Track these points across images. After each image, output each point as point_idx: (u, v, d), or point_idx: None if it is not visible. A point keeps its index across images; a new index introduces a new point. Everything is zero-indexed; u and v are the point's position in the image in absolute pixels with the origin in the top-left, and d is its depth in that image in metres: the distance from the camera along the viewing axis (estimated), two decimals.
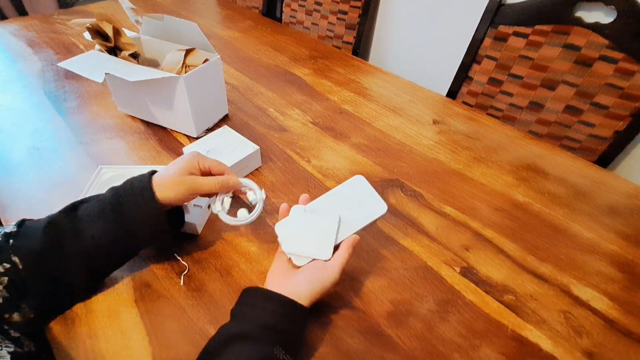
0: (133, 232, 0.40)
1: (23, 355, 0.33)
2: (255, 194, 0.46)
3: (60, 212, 0.40)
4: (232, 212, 0.46)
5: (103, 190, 0.52)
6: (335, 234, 0.41)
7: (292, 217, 0.43)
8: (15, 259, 0.36)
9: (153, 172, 0.43)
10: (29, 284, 0.36)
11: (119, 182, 0.54)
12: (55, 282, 0.38)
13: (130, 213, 0.39)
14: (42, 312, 0.39)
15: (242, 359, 0.32)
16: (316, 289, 0.38)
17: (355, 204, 0.43)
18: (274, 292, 0.37)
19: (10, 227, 0.38)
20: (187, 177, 0.41)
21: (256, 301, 0.37)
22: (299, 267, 0.41)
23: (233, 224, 0.46)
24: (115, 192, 0.41)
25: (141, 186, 0.40)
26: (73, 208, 0.40)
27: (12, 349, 0.32)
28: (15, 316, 0.36)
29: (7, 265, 0.36)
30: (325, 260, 0.40)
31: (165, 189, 0.40)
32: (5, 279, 0.35)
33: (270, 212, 0.55)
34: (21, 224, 0.39)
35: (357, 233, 0.42)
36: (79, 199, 0.47)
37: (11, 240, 0.37)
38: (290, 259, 0.41)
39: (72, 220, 0.39)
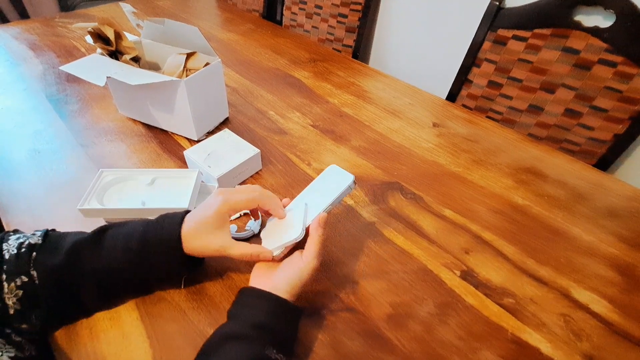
0: (152, 275, 0.41)
1: (24, 359, 0.33)
2: (253, 221, 0.52)
3: (89, 235, 0.39)
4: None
5: (103, 193, 0.53)
6: (304, 215, 0.42)
7: (272, 221, 0.45)
8: (34, 273, 0.36)
9: (187, 212, 0.41)
10: (41, 297, 0.36)
11: (119, 185, 0.54)
12: (69, 300, 0.38)
13: (153, 259, 0.39)
14: (49, 324, 0.39)
15: (233, 359, 0.32)
16: (295, 281, 0.38)
17: (325, 188, 0.44)
18: (262, 290, 0.37)
19: (35, 238, 0.38)
20: (217, 242, 0.40)
21: (247, 300, 0.38)
22: (279, 262, 0.41)
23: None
24: (144, 232, 0.39)
25: (170, 235, 0.39)
26: (101, 232, 0.40)
27: (12, 354, 0.32)
28: (24, 326, 0.36)
29: (25, 279, 0.35)
30: (298, 242, 0.41)
31: (193, 243, 0.39)
32: (21, 292, 0.35)
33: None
34: (46, 234, 0.39)
35: (329, 209, 0.42)
36: (85, 205, 0.47)
37: (34, 253, 0.36)
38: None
39: (97, 246, 0.38)
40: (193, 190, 0.51)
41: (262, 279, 0.40)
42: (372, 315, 0.43)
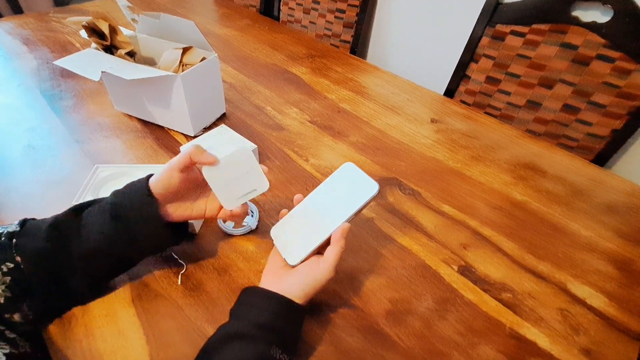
0: (132, 232, 0.39)
1: (18, 356, 0.32)
2: (251, 217, 0.51)
3: (64, 213, 0.39)
4: None
5: (99, 189, 0.52)
6: (325, 223, 0.40)
7: (284, 220, 0.43)
8: (18, 258, 0.36)
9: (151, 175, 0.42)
10: (32, 284, 0.36)
11: (114, 182, 0.54)
12: (57, 283, 0.38)
13: (128, 212, 0.39)
14: (41, 314, 0.38)
15: (238, 358, 0.32)
16: (309, 288, 0.38)
17: (345, 191, 0.42)
18: (271, 291, 0.37)
19: (13, 227, 0.38)
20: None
21: (254, 300, 0.37)
22: (292, 266, 0.40)
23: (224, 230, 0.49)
24: (115, 194, 0.41)
25: (138, 184, 0.40)
26: (77, 210, 0.40)
27: (7, 351, 0.31)
28: (16, 316, 0.36)
29: (11, 265, 0.35)
30: (317, 254, 0.40)
31: (155, 179, 0.40)
32: (8, 278, 0.35)
33: (269, 212, 0.54)
34: (23, 223, 0.39)
35: (351, 218, 0.40)
36: (81, 201, 0.47)
37: (14, 240, 0.37)
38: (284, 258, 0.41)
39: (76, 222, 0.39)
40: None
41: (274, 280, 0.39)
42: (371, 311, 0.43)
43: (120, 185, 0.53)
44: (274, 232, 0.43)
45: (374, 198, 0.40)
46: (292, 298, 0.36)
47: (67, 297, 0.40)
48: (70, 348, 0.38)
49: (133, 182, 0.41)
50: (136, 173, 0.54)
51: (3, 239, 0.36)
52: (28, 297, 0.36)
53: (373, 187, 0.40)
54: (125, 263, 0.43)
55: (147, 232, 0.40)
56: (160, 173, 0.40)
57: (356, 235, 0.52)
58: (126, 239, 0.39)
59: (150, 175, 0.41)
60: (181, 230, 0.44)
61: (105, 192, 0.52)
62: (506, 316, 0.43)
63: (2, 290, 0.35)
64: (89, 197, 0.50)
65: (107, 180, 0.53)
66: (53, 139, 0.67)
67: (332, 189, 0.43)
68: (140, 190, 0.39)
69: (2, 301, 0.35)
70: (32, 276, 0.36)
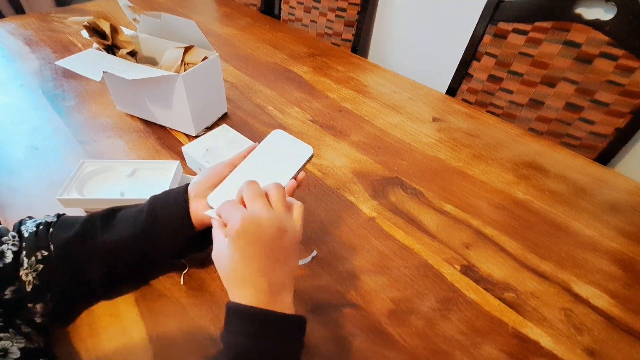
0: (158, 233, 0.39)
1: (33, 350, 0.32)
2: None
3: (102, 210, 0.41)
4: None
5: (84, 183, 0.52)
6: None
7: (218, 190, 0.39)
8: (52, 247, 0.37)
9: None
10: (56, 273, 0.37)
11: (100, 176, 0.54)
12: (75, 273, 0.38)
13: (162, 212, 0.39)
14: (57, 307, 0.38)
15: None
16: (224, 272, 0.33)
17: (279, 157, 0.41)
18: (239, 305, 0.30)
19: (50, 217, 0.40)
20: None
21: (228, 319, 0.31)
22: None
23: None
24: (153, 202, 0.41)
25: (177, 190, 0.41)
26: (116, 210, 0.41)
27: (22, 345, 0.31)
28: (38, 306, 0.36)
29: (45, 253, 0.37)
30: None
31: (195, 185, 0.40)
32: (41, 266, 0.36)
33: None
34: (59, 215, 0.41)
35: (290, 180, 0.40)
36: (65, 195, 0.49)
37: (51, 229, 0.38)
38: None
39: (108, 219, 0.40)
40: (172, 181, 0.51)
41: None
42: (373, 310, 0.43)
43: (103, 178, 0.53)
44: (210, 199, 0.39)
45: (309, 160, 0.41)
46: (231, 295, 0.31)
47: (82, 289, 0.40)
48: (74, 348, 0.38)
49: (172, 188, 0.42)
50: (121, 168, 0.54)
51: (41, 227, 0.38)
52: (52, 287, 0.37)
53: (307, 150, 0.41)
54: (144, 263, 0.42)
55: (174, 227, 0.39)
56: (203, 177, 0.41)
57: (358, 234, 0.52)
58: (152, 234, 0.39)
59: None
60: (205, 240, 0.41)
61: (90, 187, 0.52)
62: (509, 316, 0.43)
63: (33, 278, 0.36)
64: (73, 191, 0.50)
65: (92, 174, 0.53)
66: (56, 139, 0.67)
67: (265, 155, 0.42)
68: (178, 191, 0.40)
69: (29, 290, 0.36)
70: (59, 265, 0.37)
